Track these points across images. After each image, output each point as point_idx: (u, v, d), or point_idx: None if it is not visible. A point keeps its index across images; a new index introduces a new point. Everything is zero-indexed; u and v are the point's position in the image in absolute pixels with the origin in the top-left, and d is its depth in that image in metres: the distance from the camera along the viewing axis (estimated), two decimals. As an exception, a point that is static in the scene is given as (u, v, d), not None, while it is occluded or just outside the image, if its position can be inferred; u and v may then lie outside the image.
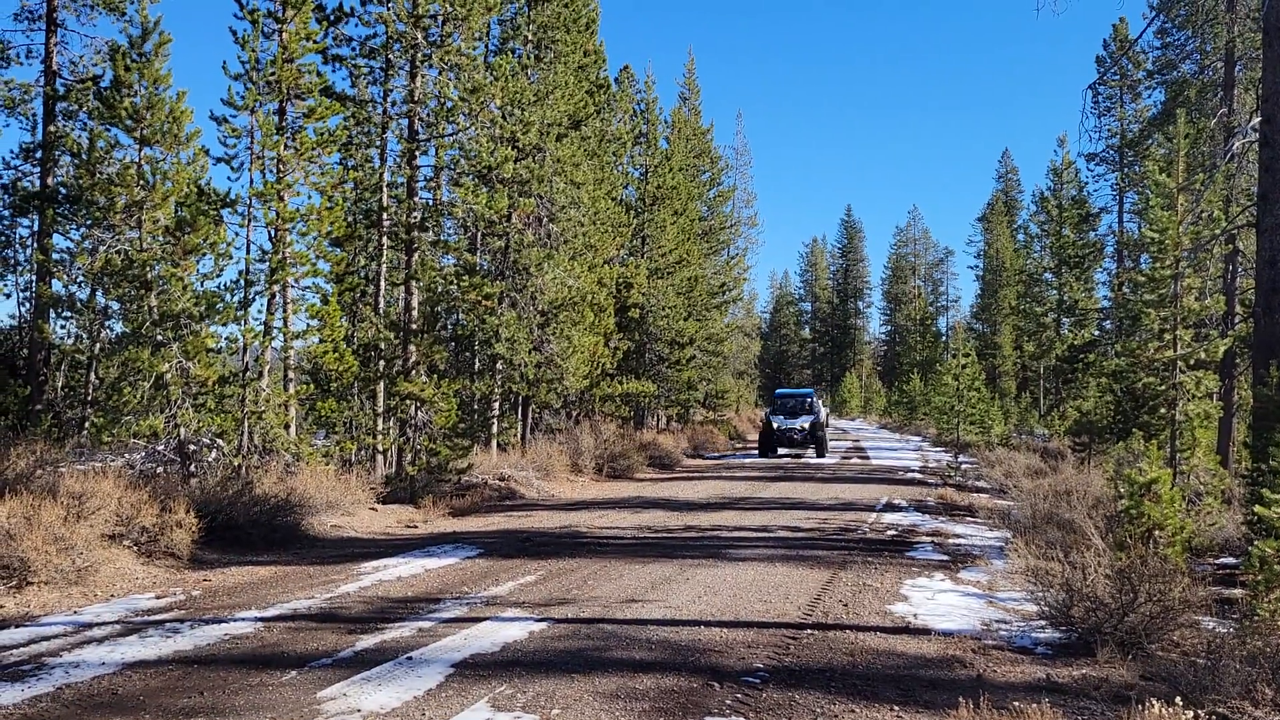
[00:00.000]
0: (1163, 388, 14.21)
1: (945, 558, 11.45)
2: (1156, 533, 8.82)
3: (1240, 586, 9.45)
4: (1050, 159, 54.56)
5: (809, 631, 7.70)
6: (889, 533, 13.59)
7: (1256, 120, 12.60)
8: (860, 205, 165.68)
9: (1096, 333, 39.13)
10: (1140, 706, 5.28)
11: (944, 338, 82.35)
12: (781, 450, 31.23)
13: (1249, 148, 14.95)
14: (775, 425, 30.40)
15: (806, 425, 30.18)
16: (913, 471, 24.82)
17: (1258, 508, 7.98)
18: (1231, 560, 11.38)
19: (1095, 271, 40.79)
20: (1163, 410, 14.36)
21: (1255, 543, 8.17)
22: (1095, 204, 40.47)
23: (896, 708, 5.83)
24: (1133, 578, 7.47)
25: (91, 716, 5.48)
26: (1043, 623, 7.87)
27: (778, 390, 35.56)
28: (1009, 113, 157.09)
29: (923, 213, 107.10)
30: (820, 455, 29.94)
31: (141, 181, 13.04)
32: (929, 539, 12.96)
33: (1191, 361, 14.05)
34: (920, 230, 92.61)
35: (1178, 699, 5.11)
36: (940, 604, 8.84)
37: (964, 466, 24.13)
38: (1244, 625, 7.81)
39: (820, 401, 33.58)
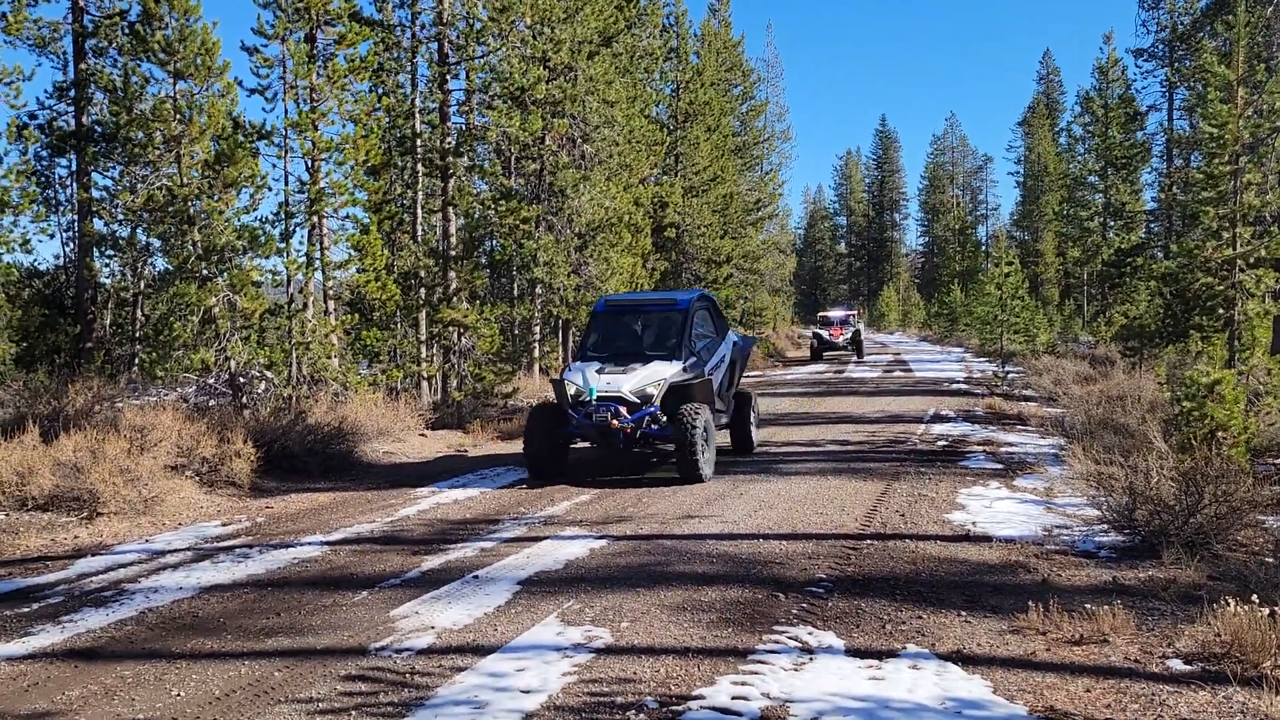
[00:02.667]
0: (1221, 288, 13.88)
1: (999, 466, 11.39)
2: (1220, 434, 8.69)
3: (1304, 486, 9.32)
4: (1095, 57, 52.77)
5: (868, 542, 7.72)
6: (939, 443, 13.53)
7: (1323, 3, 12.01)
8: (895, 115, 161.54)
9: (1144, 235, 38.24)
10: (1213, 606, 5.25)
11: (984, 247, 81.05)
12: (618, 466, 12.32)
13: (1312, 34, 14.30)
14: (573, 389, 11.03)
15: (652, 388, 10.95)
16: (957, 383, 24.65)
17: (1325, 405, 7.82)
18: (1292, 460, 11.21)
19: (1143, 173, 39.70)
20: (1220, 311, 14.04)
21: (1322, 441, 8.02)
22: (1143, 102, 39.18)
23: (964, 613, 5.84)
24: (1198, 479, 7.38)
25: (175, 638, 5.63)
26: (1104, 527, 7.81)
27: (601, 301, 12.99)
28: (1050, 11, 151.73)
29: (960, 119, 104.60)
30: (688, 474, 10.54)
31: (178, 116, 12.98)
32: (980, 448, 12.89)
33: (1251, 260, 13.67)
34: (958, 138, 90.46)
35: (1254, 597, 5.05)
36: (998, 511, 8.81)
37: (1010, 376, 23.89)
38: (1311, 524, 7.72)
39: (727, 322, 13.47)
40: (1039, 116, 70.36)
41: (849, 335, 36.64)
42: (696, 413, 10.51)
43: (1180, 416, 9.47)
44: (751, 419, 12.91)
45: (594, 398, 10.78)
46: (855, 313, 41.43)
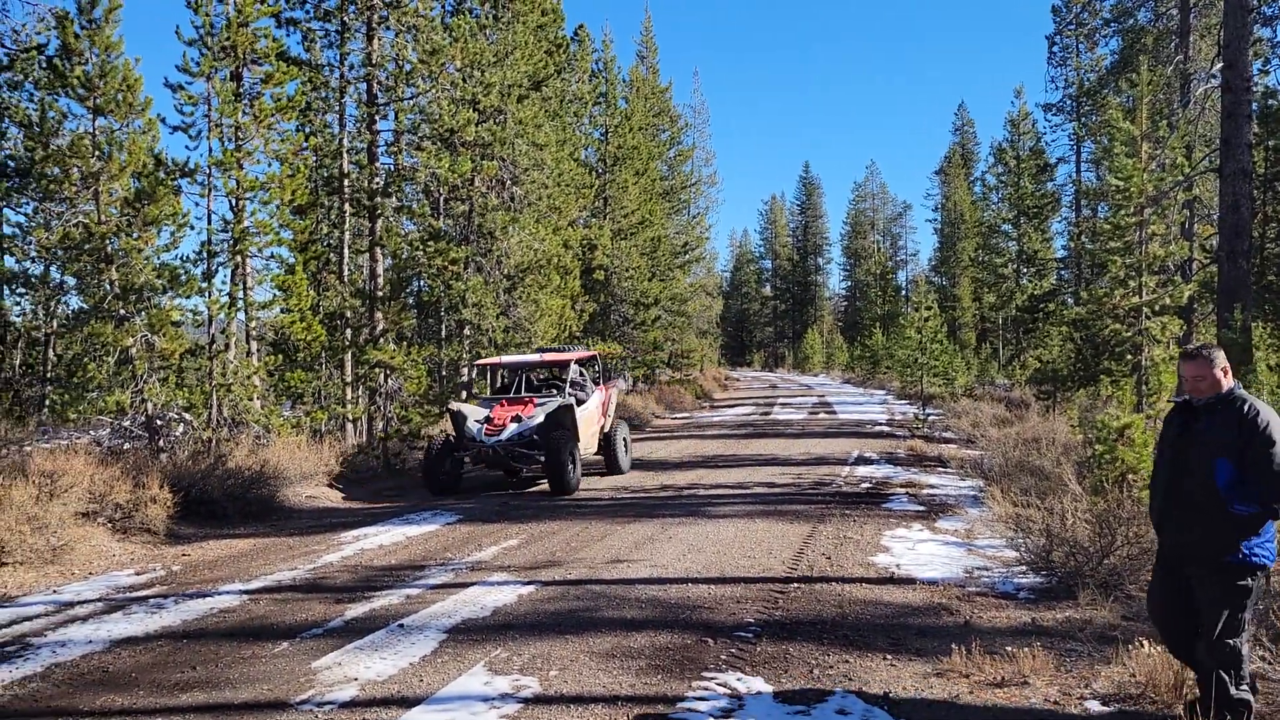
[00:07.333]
0: (1129, 334, 14.43)
1: (921, 508, 11.60)
2: (1130, 476, 8.99)
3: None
4: (1007, 111, 54.92)
5: (795, 585, 7.78)
6: (863, 485, 13.74)
7: (1218, 67, 12.72)
8: (818, 161, 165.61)
9: (1055, 282, 39.61)
10: (1128, 647, 5.41)
11: (904, 291, 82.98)
12: None
13: (1210, 94, 15.10)
14: None
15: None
16: (880, 425, 25.08)
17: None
18: (1197, 501, 11.62)
19: (1053, 221, 41.25)
20: (1128, 356, 14.58)
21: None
22: (1052, 154, 40.82)
23: (889, 656, 5.91)
24: (1110, 521, 7.63)
25: (84, 695, 5.41)
26: (1023, 568, 8.01)
27: None
28: (965, 66, 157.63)
29: (880, 167, 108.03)
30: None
31: (97, 152, 12.67)
32: (903, 490, 13.12)
33: (1156, 307, 14.26)
34: (878, 185, 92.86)
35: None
36: (921, 553, 8.97)
37: (930, 418, 24.41)
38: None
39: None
40: (955, 166, 72.63)
41: (539, 421, 13.86)
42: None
43: (1093, 459, 9.78)
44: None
45: None
46: (589, 355, 17.35)
